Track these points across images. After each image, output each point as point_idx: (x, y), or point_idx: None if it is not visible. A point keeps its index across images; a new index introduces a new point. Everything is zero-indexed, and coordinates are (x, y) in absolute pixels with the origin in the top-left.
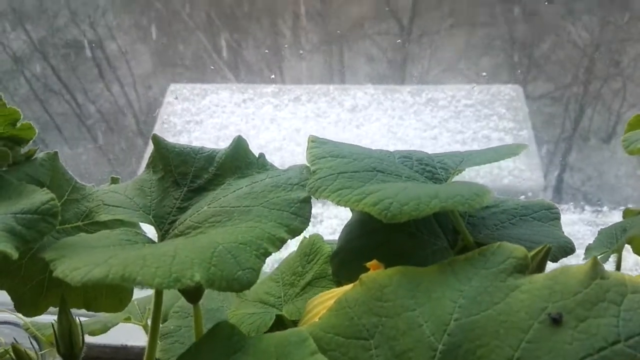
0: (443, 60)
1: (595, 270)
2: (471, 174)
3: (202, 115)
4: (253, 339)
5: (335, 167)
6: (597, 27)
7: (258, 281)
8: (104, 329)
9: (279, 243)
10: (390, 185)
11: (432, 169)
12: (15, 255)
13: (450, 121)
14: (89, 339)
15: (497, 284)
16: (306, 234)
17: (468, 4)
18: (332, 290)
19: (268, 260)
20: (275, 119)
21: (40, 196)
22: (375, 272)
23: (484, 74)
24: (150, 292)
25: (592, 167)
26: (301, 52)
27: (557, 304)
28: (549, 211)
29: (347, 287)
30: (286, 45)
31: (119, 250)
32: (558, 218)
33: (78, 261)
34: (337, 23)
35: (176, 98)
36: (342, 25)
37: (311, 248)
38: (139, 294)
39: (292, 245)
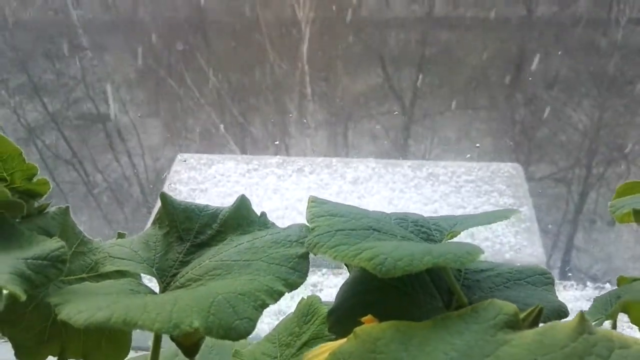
0: (445, 140)
1: (582, 325)
2: (467, 240)
3: (207, 184)
4: None
5: (333, 225)
6: (597, 111)
7: (255, 342)
8: None
9: (277, 296)
10: (385, 243)
11: (427, 230)
12: (23, 297)
13: (451, 196)
14: None
15: (488, 338)
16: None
17: (469, 87)
18: (326, 343)
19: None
20: (279, 189)
21: (51, 244)
22: (369, 325)
23: (478, 144)
24: (147, 352)
25: (598, 249)
26: (307, 130)
27: (545, 356)
28: (542, 276)
29: (342, 341)
30: (292, 123)
31: (121, 298)
32: (552, 283)
33: (82, 305)
34: (342, 103)
35: (185, 161)
36: (347, 105)
37: (309, 309)
38: (135, 355)
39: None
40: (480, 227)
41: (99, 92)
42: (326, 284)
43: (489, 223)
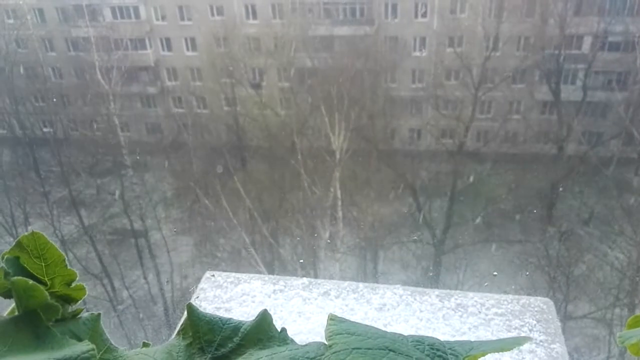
0: (478, 273)
1: None
2: None
3: (232, 303)
4: None
5: (350, 343)
6: (635, 251)
7: None
8: None
9: None
10: None
11: (442, 354)
12: None
13: (480, 328)
14: None
15: None
16: None
17: (501, 221)
18: None
19: None
20: (304, 312)
21: (82, 347)
22: None
23: (495, 273)
24: None
25: None
26: (336, 254)
27: None
28: None
29: None
30: (322, 247)
31: None
32: None
33: None
34: (373, 229)
35: (213, 275)
36: (377, 232)
37: None
38: None
39: None
40: None
41: (135, 209)
42: None
43: (504, 350)
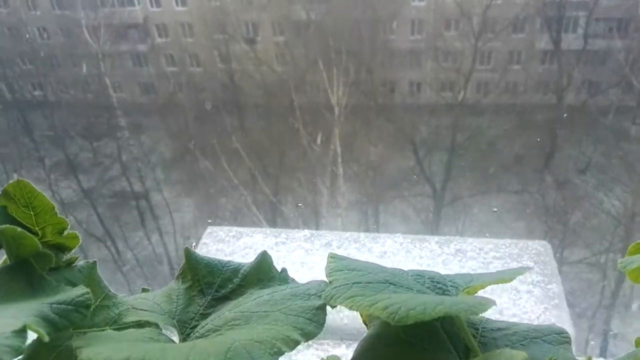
0: (476, 223)
1: None
2: (496, 316)
3: (235, 257)
4: None
5: (350, 278)
6: (630, 198)
7: None
8: None
9: (293, 344)
10: (400, 295)
11: (442, 286)
12: (46, 338)
13: (479, 272)
14: None
15: None
16: None
17: (500, 172)
18: None
19: None
20: (306, 262)
21: (76, 291)
22: None
23: (495, 209)
24: None
25: (635, 334)
26: (338, 210)
27: None
28: (559, 335)
29: None
30: (324, 204)
31: (140, 344)
32: (568, 342)
33: (102, 348)
34: (373, 184)
35: (210, 222)
36: (378, 187)
37: None
38: None
39: None
40: (508, 303)
41: (134, 171)
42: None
43: (505, 281)
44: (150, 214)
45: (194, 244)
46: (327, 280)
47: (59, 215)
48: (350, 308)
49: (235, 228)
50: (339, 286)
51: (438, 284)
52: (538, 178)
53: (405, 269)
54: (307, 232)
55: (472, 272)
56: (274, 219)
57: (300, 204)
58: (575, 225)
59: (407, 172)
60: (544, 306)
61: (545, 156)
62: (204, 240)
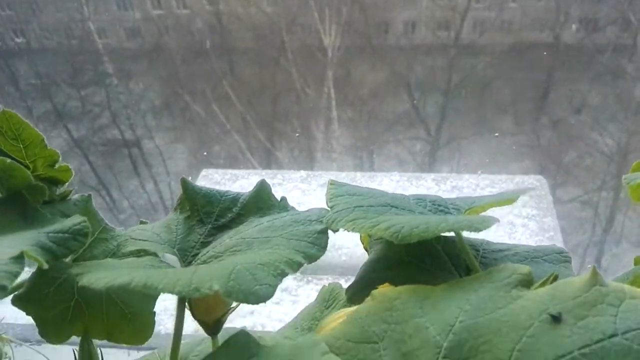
0: (471, 165)
1: (594, 278)
2: None
3: None
4: (268, 346)
5: (351, 202)
6: (624, 136)
7: (276, 330)
8: None
9: (296, 266)
10: (403, 216)
11: (444, 208)
12: (45, 265)
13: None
14: None
15: (502, 294)
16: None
17: (495, 113)
18: (344, 309)
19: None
20: (303, 203)
21: (73, 219)
22: (385, 288)
23: (497, 134)
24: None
25: (623, 270)
26: (333, 154)
27: (557, 306)
28: (560, 255)
29: (359, 305)
30: (318, 149)
31: (142, 269)
32: (569, 261)
33: (103, 273)
34: (368, 128)
35: (211, 165)
36: (373, 130)
37: (330, 294)
38: (159, 342)
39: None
40: (503, 237)
41: (124, 119)
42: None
43: (507, 202)
44: (143, 162)
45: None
46: (327, 208)
47: (49, 148)
48: (352, 230)
49: (230, 170)
50: (341, 210)
51: (440, 207)
52: (533, 118)
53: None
54: (303, 173)
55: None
56: (269, 164)
57: (297, 133)
58: (569, 164)
59: (402, 115)
60: (538, 238)
61: (541, 96)
62: (199, 182)
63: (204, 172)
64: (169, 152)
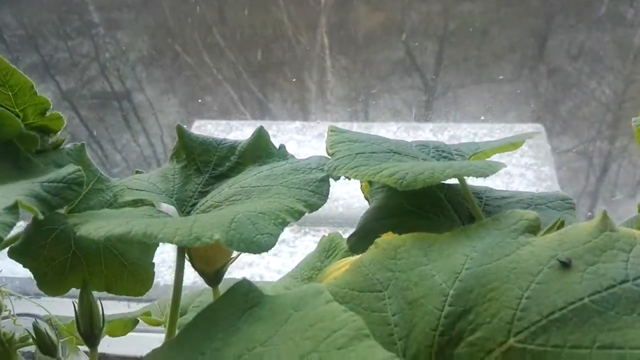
0: (467, 114)
1: (604, 223)
2: None
3: None
4: (270, 295)
5: (353, 149)
6: (622, 85)
7: (277, 279)
8: (125, 330)
9: (297, 215)
10: (406, 163)
11: (447, 154)
12: (40, 215)
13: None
14: (104, 349)
15: (509, 240)
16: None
17: (492, 60)
18: (347, 257)
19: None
20: (299, 154)
21: (67, 168)
22: (389, 236)
23: (501, 77)
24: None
25: (618, 221)
26: (327, 106)
27: (566, 251)
28: (564, 201)
29: (362, 254)
30: (312, 100)
31: (140, 219)
32: (573, 207)
33: (101, 223)
34: (362, 78)
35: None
36: (367, 80)
37: (330, 244)
38: (158, 294)
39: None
40: (500, 185)
41: (113, 70)
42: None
43: (512, 148)
44: (134, 115)
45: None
46: (327, 156)
47: (39, 95)
48: (355, 177)
49: (223, 121)
50: (342, 157)
51: (443, 153)
52: (531, 66)
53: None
54: (298, 123)
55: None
56: (262, 116)
57: (294, 79)
58: (565, 113)
59: (397, 64)
60: (535, 188)
61: (539, 43)
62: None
63: (196, 123)
64: (160, 104)
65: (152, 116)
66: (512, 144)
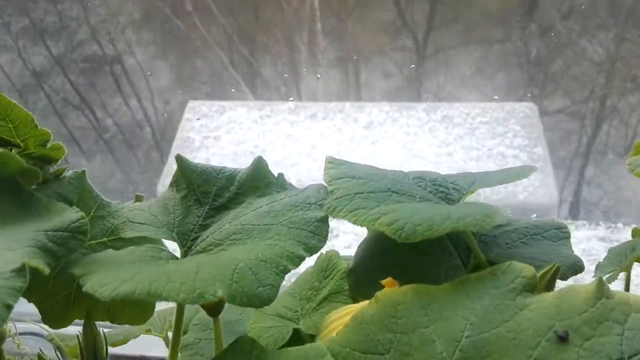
0: (458, 75)
1: (600, 290)
2: (487, 192)
3: (220, 132)
4: (272, 353)
5: (351, 188)
6: (613, 43)
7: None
8: (125, 340)
9: (298, 260)
10: (404, 206)
11: (444, 189)
12: (47, 271)
13: (465, 138)
14: (110, 349)
15: (507, 302)
16: (324, 248)
17: (483, 20)
18: (348, 306)
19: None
20: (292, 135)
21: (71, 214)
22: (389, 289)
23: (496, 97)
24: (171, 304)
25: (609, 181)
26: (318, 68)
27: (563, 322)
28: (559, 230)
29: (363, 304)
30: (303, 62)
31: (144, 267)
32: (568, 237)
33: (106, 277)
34: (353, 39)
35: (198, 119)
36: (358, 42)
37: (328, 264)
38: (159, 306)
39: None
40: (493, 167)
41: (103, 34)
42: (342, 230)
43: (508, 182)
44: (125, 79)
45: (165, 115)
46: (325, 185)
47: (40, 128)
48: (354, 222)
49: (217, 102)
50: (341, 197)
51: (440, 187)
52: (522, 26)
53: (392, 149)
54: (291, 104)
55: (457, 140)
56: (253, 80)
57: (292, 98)
58: (556, 74)
59: (388, 25)
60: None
61: (530, 2)
62: (186, 115)
63: (190, 104)
64: (151, 68)
65: (143, 80)
66: (508, 179)
